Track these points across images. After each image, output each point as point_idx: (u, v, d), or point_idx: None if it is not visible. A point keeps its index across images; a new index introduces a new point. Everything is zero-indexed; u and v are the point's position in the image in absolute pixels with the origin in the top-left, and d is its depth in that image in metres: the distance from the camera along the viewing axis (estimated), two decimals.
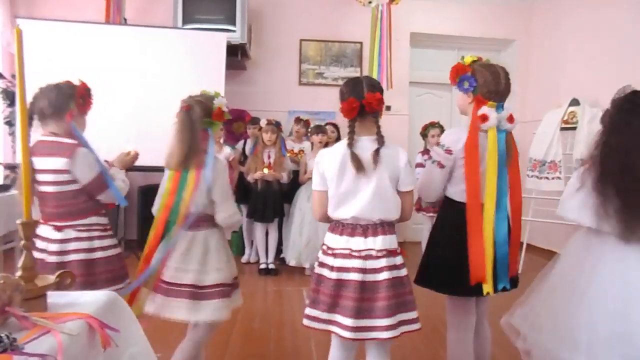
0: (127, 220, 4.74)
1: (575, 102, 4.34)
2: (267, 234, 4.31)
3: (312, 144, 4.28)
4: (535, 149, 4.46)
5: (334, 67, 5.48)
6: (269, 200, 4.11)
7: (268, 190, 4.11)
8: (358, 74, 5.46)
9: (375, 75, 4.89)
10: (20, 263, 1.03)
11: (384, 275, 1.54)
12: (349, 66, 5.51)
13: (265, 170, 4.05)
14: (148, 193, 4.36)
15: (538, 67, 5.48)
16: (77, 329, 0.91)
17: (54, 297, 1.07)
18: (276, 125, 4.21)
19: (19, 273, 1.02)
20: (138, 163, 4.53)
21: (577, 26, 4.78)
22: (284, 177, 4.14)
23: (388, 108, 5.48)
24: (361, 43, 5.44)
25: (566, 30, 4.97)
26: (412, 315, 1.59)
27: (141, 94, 4.23)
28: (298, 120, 4.68)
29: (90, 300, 1.09)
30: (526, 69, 5.65)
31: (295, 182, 4.31)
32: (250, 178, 4.17)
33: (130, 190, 5.21)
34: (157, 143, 3.77)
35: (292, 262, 4.11)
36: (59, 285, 1.08)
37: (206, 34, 4.55)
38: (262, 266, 4.25)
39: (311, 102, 5.29)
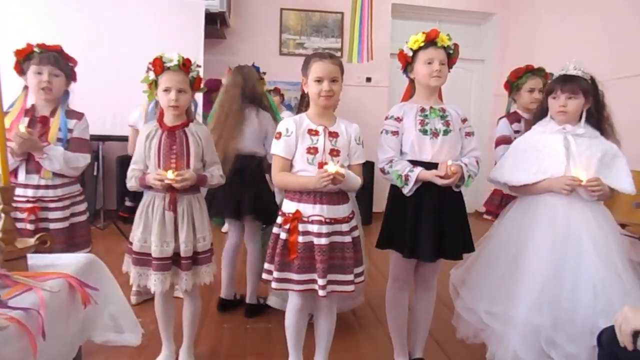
0: (105, 190, 4.73)
1: (550, 77, 4.42)
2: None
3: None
4: None
5: (315, 37, 5.45)
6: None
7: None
8: (339, 45, 5.45)
9: (355, 46, 4.87)
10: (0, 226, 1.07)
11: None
12: (329, 37, 5.48)
13: None
14: (126, 163, 4.33)
15: (516, 41, 5.54)
16: (58, 286, 0.96)
17: (34, 259, 1.12)
18: None
19: None
20: (115, 133, 4.43)
21: (554, 2, 4.82)
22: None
23: (368, 80, 5.50)
24: (342, 13, 5.39)
25: (543, 6, 5.01)
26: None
27: (116, 63, 4.15)
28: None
29: (69, 261, 1.14)
30: (505, 43, 5.70)
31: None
32: None
33: (108, 160, 5.16)
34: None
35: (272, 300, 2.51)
36: (38, 248, 1.12)
37: (184, 2, 4.44)
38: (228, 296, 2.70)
39: (291, 73, 5.25)
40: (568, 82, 1.82)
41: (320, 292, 1.68)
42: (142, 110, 2.74)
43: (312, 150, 1.72)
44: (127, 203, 3.03)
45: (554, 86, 1.85)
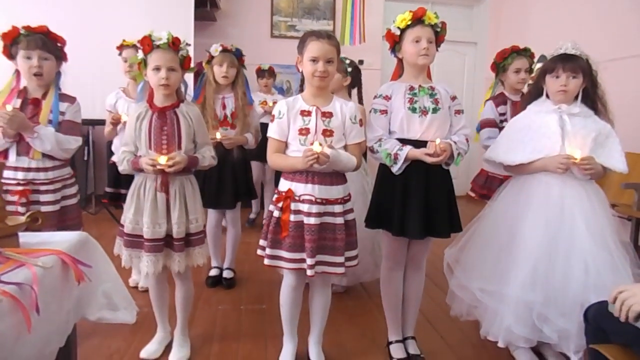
0: (96, 175, 4.68)
1: (543, 59, 4.40)
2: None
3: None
4: None
5: (306, 19, 5.37)
6: (226, 177, 2.58)
7: (224, 159, 2.47)
8: (331, 27, 5.39)
9: (347, 29, 4.83)
10: None
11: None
12: (321, 19, 5.41)
13: (218, 135, 2.47)
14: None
15: (508, 23, 5.51)
16: (51, 262, 0.95)
17: (26, 238, 1.11)
18: (236, 55, 2.65)
19: None
20: (105, 117, 4.36)
21: None
22: (250, 140, 2.66)
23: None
24: None
25: None
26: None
27: (105, 46, 4.06)
28: (260, 72, 4.37)
29: (61, 239, 1.13)
30: (497, 25, 5.67)
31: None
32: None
33: (99, 145, 5.11)
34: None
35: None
36: (29, 226, 1.11)
37: None
38: (212, 272, 2.82)
39: (283, 55, 5.20)
40: (570, 62, 1.81)
41: (309, 272, 1.70)
42: (119, 92, 2.95)
43: (304, 131, 1.72)
44: (107, 189, 3.00)
45: (555, 65, 1.83)
